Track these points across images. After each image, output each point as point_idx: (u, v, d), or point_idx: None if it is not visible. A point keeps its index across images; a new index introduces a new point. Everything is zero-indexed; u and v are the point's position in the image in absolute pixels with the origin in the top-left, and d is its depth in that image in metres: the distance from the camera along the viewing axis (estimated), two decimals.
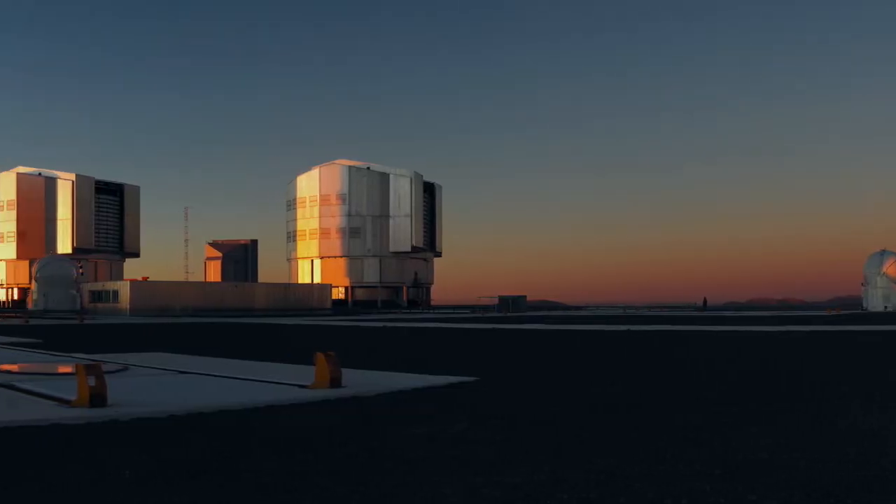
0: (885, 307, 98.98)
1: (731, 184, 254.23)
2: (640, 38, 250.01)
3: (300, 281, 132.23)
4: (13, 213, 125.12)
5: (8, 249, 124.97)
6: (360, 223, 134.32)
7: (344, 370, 14.04)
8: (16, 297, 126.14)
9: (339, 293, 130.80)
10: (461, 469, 7.30)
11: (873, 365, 19.84)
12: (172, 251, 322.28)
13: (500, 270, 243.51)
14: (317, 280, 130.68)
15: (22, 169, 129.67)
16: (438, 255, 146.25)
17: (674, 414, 11.02)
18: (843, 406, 11.62)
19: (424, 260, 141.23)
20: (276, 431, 9.55)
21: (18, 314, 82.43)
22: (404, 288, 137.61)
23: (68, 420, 10.08)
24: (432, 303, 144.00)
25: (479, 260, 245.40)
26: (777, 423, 10.06)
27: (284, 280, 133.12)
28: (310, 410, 11.48)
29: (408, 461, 7.68)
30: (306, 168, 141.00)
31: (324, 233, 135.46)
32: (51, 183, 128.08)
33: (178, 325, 55.41)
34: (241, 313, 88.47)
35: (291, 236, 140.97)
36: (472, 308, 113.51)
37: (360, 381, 14.51)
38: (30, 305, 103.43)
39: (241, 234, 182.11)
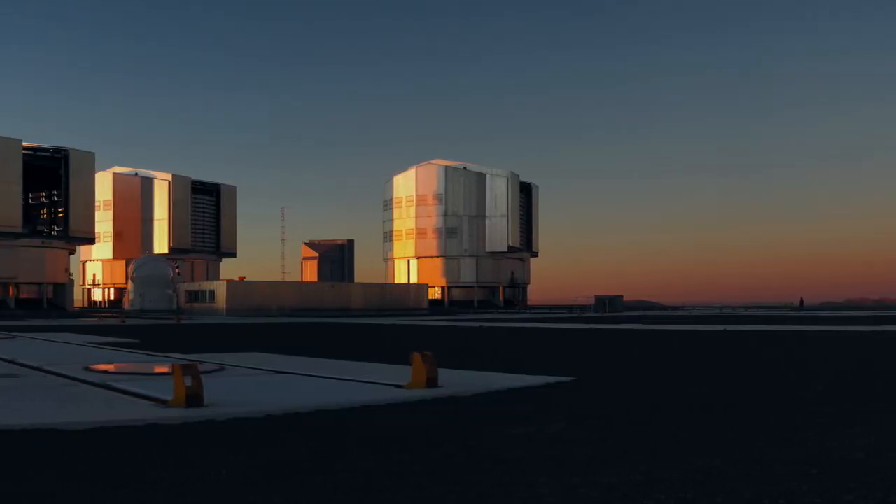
0: None
1: (828, 183, 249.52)
2: (734, 37, 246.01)
3: (396, 281, 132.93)
4: (109, 213, 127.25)
5: (104, 249, 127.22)
6: (457, 223, 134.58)
7: (440, 370, 14.12)
8: (112, 297, 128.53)
9: (435, 293, 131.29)
10: (558, 469, 7.32)
11: None
12: (269, 251, 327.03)
13: (597, 270, 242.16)
14: (413, 280, 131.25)
15: (118, 169, 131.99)
16: (535, 255, 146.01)
17: (769, 414, 10.98)
18: None
19: (521, 260, 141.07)
20: (372, 431, 9.64)
21: (115, 314, 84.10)
22: (500, 288, 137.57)
23: (165, 420, 10.27)
24: (529, 303, 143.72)
25: (576, 260, 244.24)
26: (873, 424, 9.96)
27: (381, 280, 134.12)
28: (406, 410, 11.55)
29: (504, 461, 7.72)
30: (403, 168, 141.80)
31: (420, 233, 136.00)
32: (147, 183, 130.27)
33: (275, 325, 56.04)
34: (337, 313, 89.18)
35: (388, 236, 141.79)
36: (569, 308, 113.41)
37: (457, 381, 14.58)
38: (126, 305, 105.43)
39: (338, 234, 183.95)
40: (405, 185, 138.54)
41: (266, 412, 10.97)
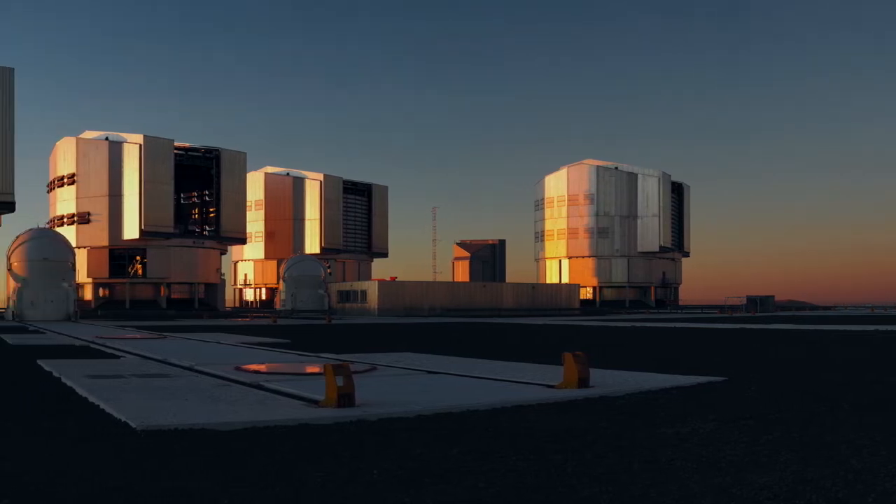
0: None
1: None
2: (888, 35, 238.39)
3: (548, 281, 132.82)
4: (261, 213, 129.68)
5: (256, 249, 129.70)
6: (608, 223, 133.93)
7: (592, 370, 14.16)
8: (264, 296, 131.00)
9: (586, 293, 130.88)
10: (710, 469, 7.34)
11: None
12: (420, 251, 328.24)
13: (748, 270, 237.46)
14: (564, 280, 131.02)
15: (270, 169, 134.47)
16: (686, 255, 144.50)
17: None
18: None
19: (672, 260, 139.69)
20: (524, 431, 9.72)
21: (267, 314, 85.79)
22: (652, 288, 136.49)
23: (316, 420, 10.51)
24: (680, 303, 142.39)
25: (727, 260, 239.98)
26: None
27: (532, 280, 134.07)
28: (558, 410, 11.61)
29: (656, 461, 7.74)
30: (554, 168, 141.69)
31: (571, 233, 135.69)
32: (299, 183, 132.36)
33: (426, 325, 56.42)
34: (488, 313, 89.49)
35: (539, 236, 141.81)
36: (720, 308, 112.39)
37: (608, 381, 14.60)
38: (278, 305, 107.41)
39: (489, 234, 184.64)
40: (556, 185, 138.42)
41: (417, 412, 11.14)
